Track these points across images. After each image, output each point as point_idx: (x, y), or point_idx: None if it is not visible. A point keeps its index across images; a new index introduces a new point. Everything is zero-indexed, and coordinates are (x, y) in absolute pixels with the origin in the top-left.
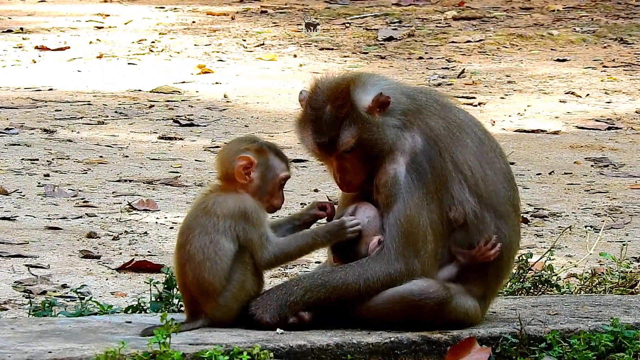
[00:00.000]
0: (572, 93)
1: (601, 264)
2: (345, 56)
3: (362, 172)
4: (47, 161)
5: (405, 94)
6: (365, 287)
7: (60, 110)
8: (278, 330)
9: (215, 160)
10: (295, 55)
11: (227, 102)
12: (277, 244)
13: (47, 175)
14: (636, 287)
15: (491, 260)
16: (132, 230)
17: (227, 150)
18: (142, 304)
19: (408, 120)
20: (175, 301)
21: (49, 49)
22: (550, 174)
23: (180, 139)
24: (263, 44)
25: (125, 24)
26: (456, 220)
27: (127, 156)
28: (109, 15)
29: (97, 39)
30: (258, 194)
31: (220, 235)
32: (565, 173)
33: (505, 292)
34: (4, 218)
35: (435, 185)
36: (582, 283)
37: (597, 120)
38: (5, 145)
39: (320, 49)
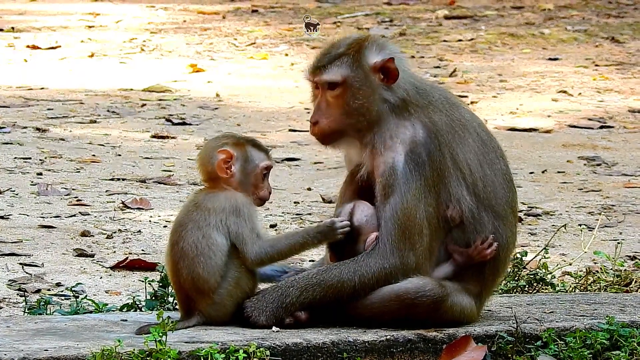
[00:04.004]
0: (564, 92)
1: (595, 263)
2: None
3: (335, 120)
4: (40, 160)
5: (418, 86)
6: (360, 283)
7: (52, 109)
8: (274, 327)
9: (196, 163)
10: (286, 54)
11: (219, 100)
12: (268, 240)
13: (40, 173)
14: (631, 286)
15: (487, 259)
16: (125, 229)
17: (205, 149)
18: (137, 302)
19: (410, 109)
20: (170, 299)
21: (40, 48)
22: (543, 172)
23: (173, 137)
24: (254, 43)
25: (116, 23)
26: (453, 218)
27: (119, 155)
28: (99, 15)
29: (89, 38)
30: (242, 187)
31: (212, 229)
32: (558, 172)
33: (501, 290)
34: None
35: (432, 179)
36: (577, 281)
37: (589, 119)
38: None
39: (312, 48)
